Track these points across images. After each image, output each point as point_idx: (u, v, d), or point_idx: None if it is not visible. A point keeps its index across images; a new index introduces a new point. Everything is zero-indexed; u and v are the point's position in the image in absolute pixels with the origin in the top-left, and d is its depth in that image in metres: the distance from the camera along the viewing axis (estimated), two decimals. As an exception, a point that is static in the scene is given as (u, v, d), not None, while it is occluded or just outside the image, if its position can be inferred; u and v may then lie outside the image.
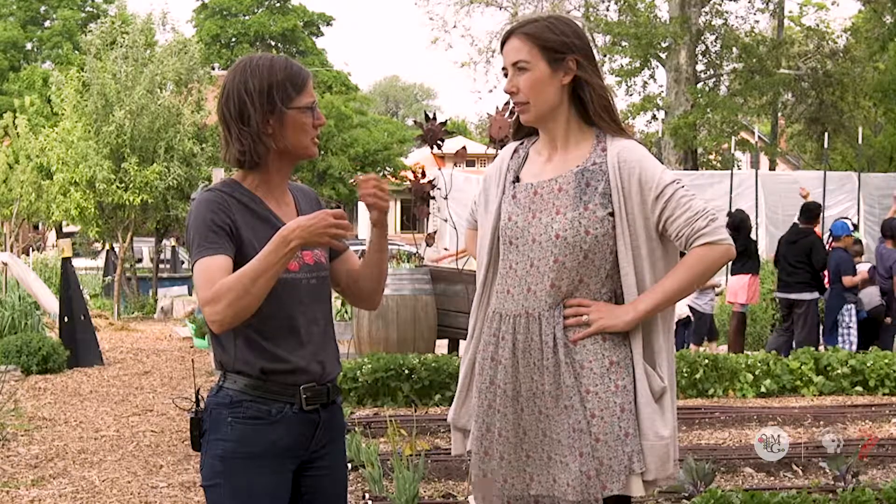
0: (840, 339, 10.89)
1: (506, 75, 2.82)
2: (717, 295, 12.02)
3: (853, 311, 11.00)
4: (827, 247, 11.42)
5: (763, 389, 9.10)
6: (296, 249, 2.40)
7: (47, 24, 42.54)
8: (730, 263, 10.67)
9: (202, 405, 2.58)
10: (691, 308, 11.22)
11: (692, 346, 11.09)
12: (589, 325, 2.71)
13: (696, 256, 2.71)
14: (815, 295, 10.78)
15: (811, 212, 11.10)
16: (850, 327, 10.97)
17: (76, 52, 38.71)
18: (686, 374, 8.92)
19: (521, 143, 2.94)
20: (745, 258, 11.30)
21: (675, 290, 2.72)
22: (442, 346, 10.52)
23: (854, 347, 10.65)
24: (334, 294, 2.78)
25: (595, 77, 2.78)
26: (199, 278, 2.44)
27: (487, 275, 2.88)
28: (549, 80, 2.76)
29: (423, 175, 10.36)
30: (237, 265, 2.47)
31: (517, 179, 2.86)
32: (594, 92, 2.77)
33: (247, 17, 46.35)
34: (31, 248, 27.80)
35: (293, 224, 2.40)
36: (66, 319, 10.99)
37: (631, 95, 28.13)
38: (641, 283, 2.73)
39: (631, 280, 2.73)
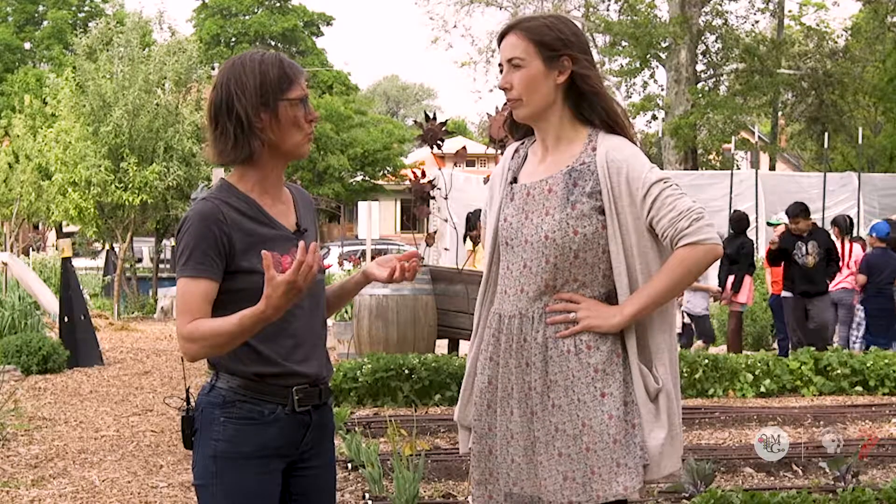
0: None
1: (502, 71, 2.82)
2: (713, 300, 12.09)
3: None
4: (868, 247, 11.55)
5: (763, 389, 9.10)
6: (274, 317, 2.40)
7: (44, 24, 42.53)
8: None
9: (193, 403, 2.59)
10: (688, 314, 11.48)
11: (699, 344, 11.33)
12: (576, 323, 2.71)
13: (678, 258, 2.68)
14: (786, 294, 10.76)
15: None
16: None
17: (69, 51, 38.74)
18: (686, 374, 8.91)
19: (522, 143, 2.94)
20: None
21: (660, 292, 2.69)
22: (442, 346, 10.52)
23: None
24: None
25: (591, 77, 2.77)
26: (179, 301, 2.49)
27: (489, 275, 2.89)
28: (543, 77, 2.75)
29: (423, 175, 10.35)
30: (228, 276, 2.49)
31: (515, 180, 2.87)
32: (590, 92, 2.77)
33: (247, 17, 46.42)
34: (31, 248, 27.79)
35: (273, 305, 2.34)
36: (66, 319, 10.98)
37: (631, 95, 28.14)
38: (634, 282, 2.72)
39: (624, 280, 2.72)
